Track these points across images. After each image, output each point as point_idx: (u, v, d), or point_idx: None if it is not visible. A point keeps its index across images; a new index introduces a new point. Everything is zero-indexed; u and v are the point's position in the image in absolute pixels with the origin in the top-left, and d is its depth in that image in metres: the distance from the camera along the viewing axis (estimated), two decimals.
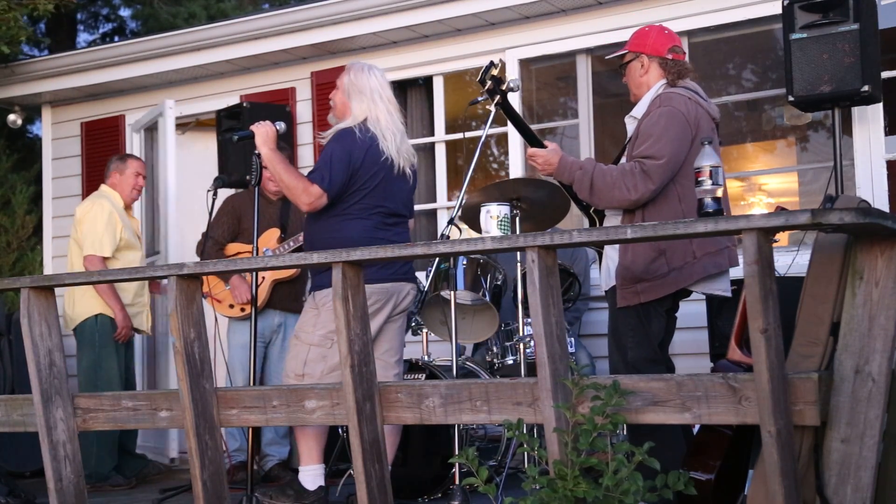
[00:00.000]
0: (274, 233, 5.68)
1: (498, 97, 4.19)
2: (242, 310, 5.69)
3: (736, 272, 3.78)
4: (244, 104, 5.91)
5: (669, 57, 3.97)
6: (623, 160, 3.96)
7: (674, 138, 3.77)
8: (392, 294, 4.19)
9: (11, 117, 7.87)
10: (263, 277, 5.58)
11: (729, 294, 3.96)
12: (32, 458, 5.79)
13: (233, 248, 5.75)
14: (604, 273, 3.99)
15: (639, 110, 3.98)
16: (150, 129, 7.22)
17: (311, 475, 4.21)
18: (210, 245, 5.61)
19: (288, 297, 5.70)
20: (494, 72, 4.17)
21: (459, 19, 6.16)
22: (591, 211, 4.07)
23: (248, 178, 4.96)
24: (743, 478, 3.48)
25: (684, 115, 3.81)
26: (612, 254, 3.91)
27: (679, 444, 3.69)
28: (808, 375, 2.87)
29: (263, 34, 6.63)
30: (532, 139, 4.06)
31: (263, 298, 5.60)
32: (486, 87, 4.20)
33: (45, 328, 4.08)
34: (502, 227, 4.10)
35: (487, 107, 4.25)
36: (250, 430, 4.47)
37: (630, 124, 4.02)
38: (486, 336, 4.94)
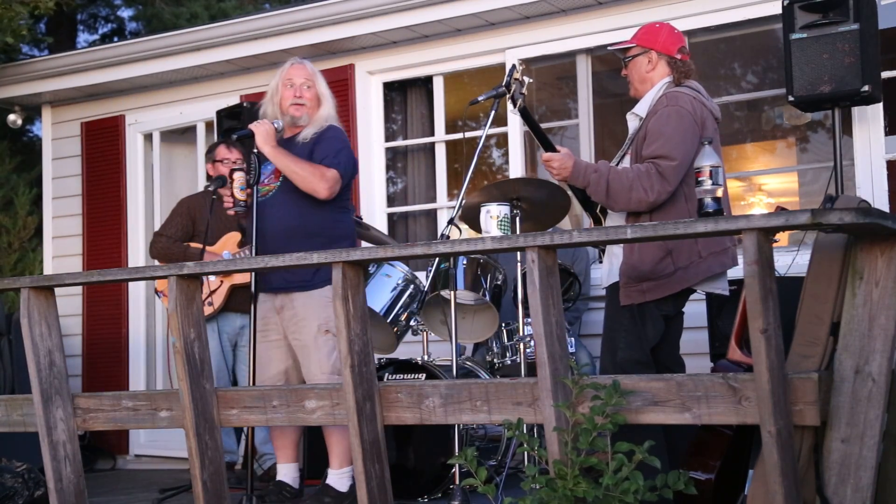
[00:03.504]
0: (234, 237, 5.58)
1: (521, 102, 4.16)
2: None
3: (736, 272, 3.78)
4: (244, 104, 5.91)
5: (678, 57, 3.98)
6: (627, 158, 3.95)
7: (684, 139, 3.77)
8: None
9: (11, 117, 7.86)
10: (222, 281, 5.53)
11: (727, 293, 3.95)
12: (31, 458, 5.79)
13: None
14: (605, 269, 3.97)
15: (642, 108, 3.97)
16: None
17: (344, 477, 4.29)
18: (169, 243, 5.55)
19: (249, 299, 5.66)
20: (517, 75, 4.16)
21: (459, 19, 6.16)
22: (597, 211, 4.06)
23: (247, 177, 4.95)
24: (743, 478, 3.48)
25: (692, 115, 3.81)
26: (616, 251, 3.89)
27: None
28: (808, 375, 2.87)
29: (263, 34, 6.62)
30: (546, 144, 4.05)
31: (220, 302, 5.56)
32: (512, 92, 4.13)
33: (45, 328, 4.08)
34: (502, 227, 4.09)
35: (511, 111, 4.23)
36: (251, 430, 4.47)
37: (632, 121, 4.01)
38: (486, 336, 4.93)
